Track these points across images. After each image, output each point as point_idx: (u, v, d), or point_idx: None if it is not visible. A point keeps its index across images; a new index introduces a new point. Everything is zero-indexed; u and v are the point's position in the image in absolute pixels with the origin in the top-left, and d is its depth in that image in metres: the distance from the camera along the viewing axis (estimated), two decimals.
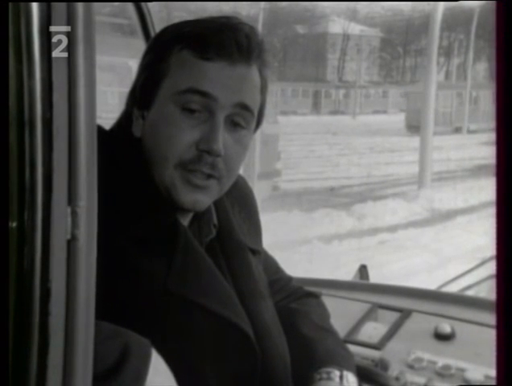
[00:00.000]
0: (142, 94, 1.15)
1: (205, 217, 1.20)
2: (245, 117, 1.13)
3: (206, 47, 1.09)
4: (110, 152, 1.11)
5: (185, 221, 1.17)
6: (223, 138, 1.09)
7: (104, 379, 0.83)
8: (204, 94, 1.09)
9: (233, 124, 1.12)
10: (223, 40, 1.09)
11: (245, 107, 1.12)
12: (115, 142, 1.16)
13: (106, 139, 1.13)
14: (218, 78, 1.09)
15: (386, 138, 24.82)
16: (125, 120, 1.19)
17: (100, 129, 1.14)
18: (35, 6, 0.63)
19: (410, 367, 1.59)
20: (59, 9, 0.64)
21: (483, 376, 1.53)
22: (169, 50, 1.12)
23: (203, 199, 1.12)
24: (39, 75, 0.64)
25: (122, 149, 1.16)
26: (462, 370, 1.56)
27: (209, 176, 1.11)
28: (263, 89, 1.17)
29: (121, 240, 1.06)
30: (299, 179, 16.21)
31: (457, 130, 27.86)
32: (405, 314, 1.82)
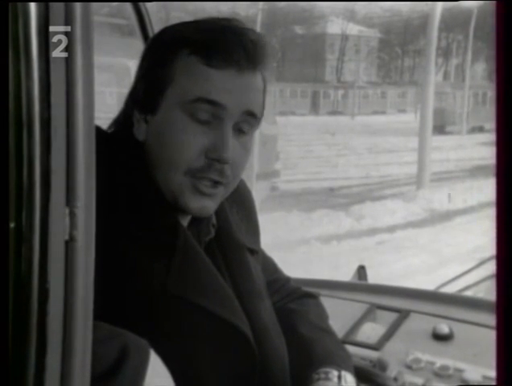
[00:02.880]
0: (145, 98, 1.14)
1: (204, 218, 1.20)
2: (251, 123, 1.14)
3: (214, 55, 1.09)
4: (111, 153, 1.11)
5: (185, 222, 1.17)
6: (231, 145, 1.10)
7: (102, 381, 0.83)
8: (213, 103, 1.09)
9: (239, 130, 1.12)
10: (230, 47, 1.09)
11: (251, 114, 1.12)
12: (115, 144, 1.16)
13: (106, 140, 1.13)
14: (227, 87, 1.09)
15: (384, 139, 24.84)
16: (124, 121, 1.18)
17: (99, 130, 1.14)
18: (32, 6, 0.63)
19: (409, 367, 1.59)
20: (57, 9, 0.64)
21: (481, 377, 1.53)
22: (173, 54, 1.12)
23: (210, 205, 1.13)
24: (37, 76, 0.64)
25: (123, 151, 1.15)
26: (460, 370, 1.56)
27: (217, 183, 1.11)
28: (264, 91, 1.17)
29: (121, 241, 1.06)
30: (298, 180, 16.21)
31: (473, 130, 28.04)
32: (403, 314, 1.82)
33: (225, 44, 1.09)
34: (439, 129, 25.94)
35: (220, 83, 1.09)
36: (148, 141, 1.14)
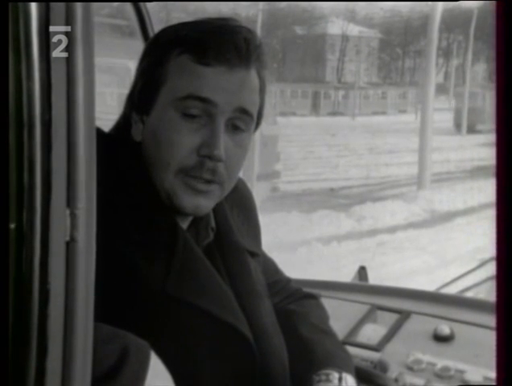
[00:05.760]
0: (141, 99, 1.14)
1: (203, 221, 1.19)
2: (245, 121, 1.13)
3: (205, 52, 1.09)
4: (110, 155, 1.11)
5: (184, 224, 1.17)
6: (223, 142, 1.09)
7: (102, 382, 0.82)
8: (204, 100, 1.08)
9: (233, 127, 1.12)
10: (221, 45, 1.09)
11: (244, 111, 1.12)
12: (115, 146, 1.16)
13: (106, 142, 1.13)
14: (218, 83, 1.09)
15: (385, 139, 24.84)
16: (123, 123, 1.18)
17: (99, 132, 1.14)
18: (33, 6, 0.63)
19: (410, 368, 1.59)
20: (57, 9, 0.64)
21: (482, 378, 1.52)
22: (167, 54, 1.12)
23: (205, 204, 1.12)
24: (38, 76, 0.64)
25: (122, 153, 1.15)
26: (461, 371, 1.56)
27: (210, 181, 1.11)
28: (262, 91, 1.17)
29: (121, 243, 1.06)
30: (299, 180, 16.23)
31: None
32: (404, 315, 1.81)
33: (215, 42, 1.09)
34: (470, 128, 26.26)
35: (211, 80, 1.09)
36: (144, 141, 1.15)
